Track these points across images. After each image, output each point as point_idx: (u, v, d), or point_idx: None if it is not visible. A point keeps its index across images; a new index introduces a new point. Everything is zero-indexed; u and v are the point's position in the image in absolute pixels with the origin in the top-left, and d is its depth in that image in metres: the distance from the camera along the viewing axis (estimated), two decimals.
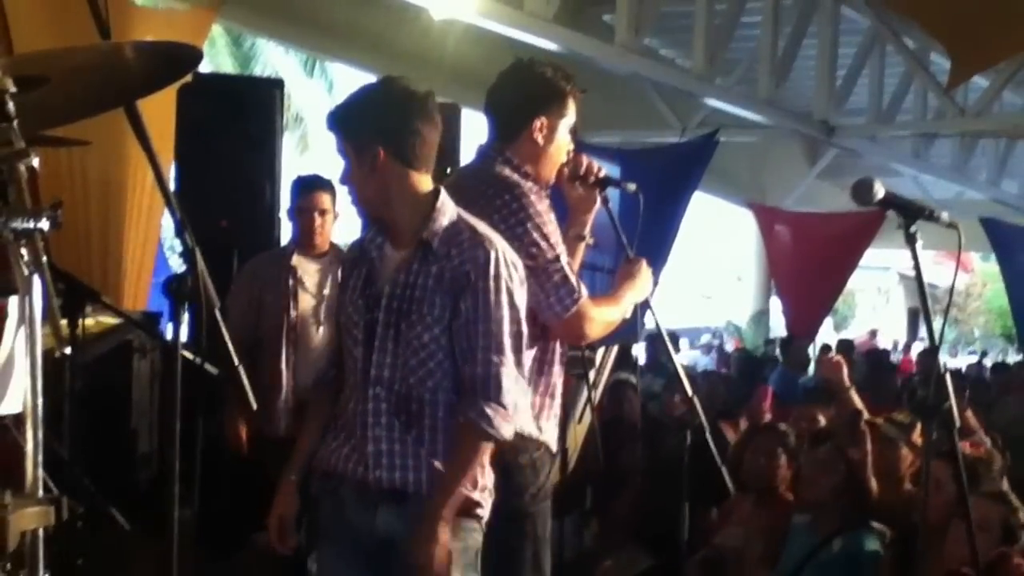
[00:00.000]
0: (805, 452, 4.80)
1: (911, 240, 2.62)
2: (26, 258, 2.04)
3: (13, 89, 1.99)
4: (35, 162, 2.00)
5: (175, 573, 2.31)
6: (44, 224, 2.03)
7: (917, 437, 4.65)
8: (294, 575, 4.08)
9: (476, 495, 2.61)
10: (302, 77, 18.47)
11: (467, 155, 6.30)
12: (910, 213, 2.63)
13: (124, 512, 3.97)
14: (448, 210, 2.64)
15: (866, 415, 4.91)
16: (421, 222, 2.61)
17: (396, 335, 2.59)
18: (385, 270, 2.66)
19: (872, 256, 15.19)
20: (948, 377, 2.57)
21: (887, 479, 4.66)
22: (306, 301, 4.65)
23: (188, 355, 2.48)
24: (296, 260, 4.67)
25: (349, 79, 17.79)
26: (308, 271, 4.68)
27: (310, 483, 2.74)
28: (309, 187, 4.73)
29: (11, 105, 1.98)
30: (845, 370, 5.16)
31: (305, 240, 4.69)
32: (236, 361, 2.53)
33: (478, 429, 2.53)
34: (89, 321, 4.02)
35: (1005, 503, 3.87)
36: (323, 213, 4.66)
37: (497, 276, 2.56)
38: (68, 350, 2.22)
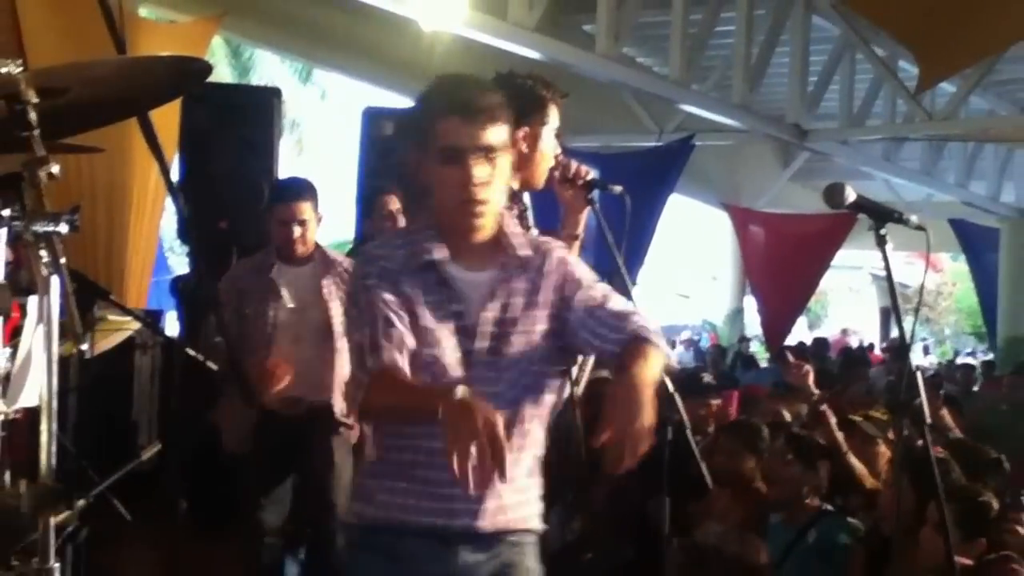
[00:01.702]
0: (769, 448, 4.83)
1: (881, 243, 2.62)
2: (45, 259, 2.15)
3: (36, 100, 2.09)
4: (55, 169, 2.10)
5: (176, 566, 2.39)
6: (63, 228, 2.15)
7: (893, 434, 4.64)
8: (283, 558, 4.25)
9: None
10: (297, 85, 18.89)
11: None
12: (880, 216, 2.62)
13: (123, 501, 4.04)
14: (510, 219, 2.43)
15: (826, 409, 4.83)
16: (499, 234, 2.36)
17: (495, 361, 2.29)
18: (472, 296, 2.32)
19: (844, 256, 15.31)
20: (919, 375, 2.56)
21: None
22: (284, 314, 4.38)
23: (191, 352, 2.49)
24: (276, 271, 4.41)
25: (341, 87, 18.27)
26: (289, 281, 4.41)
27: (339, 534, 2.46)
28: (284, 198, 4.41)
29: (33, 115, 2.09)
30: (811, 377, 5.17)
31: (285, 250, 4.41)
32: (236, 356, 2.58)
33: (655, 343, 2.31)
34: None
35: (960, 498, 3.80)
36: (302, 224, 4.36)
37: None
38: (85, 347, 2.37)
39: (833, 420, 4.61)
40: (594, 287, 2.40)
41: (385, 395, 2.23)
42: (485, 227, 2.31)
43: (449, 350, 2.27)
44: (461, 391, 2.05)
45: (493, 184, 2.27)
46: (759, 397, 6.84)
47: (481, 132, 2.24)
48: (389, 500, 2.29)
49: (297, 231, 4.34)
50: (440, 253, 2.30)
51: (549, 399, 2.40)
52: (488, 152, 2.25)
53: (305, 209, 4.36)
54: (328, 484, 4.21)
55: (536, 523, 2.40)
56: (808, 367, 5.36)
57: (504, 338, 2.30)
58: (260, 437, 4.20)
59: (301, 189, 4.43)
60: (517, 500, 2.34)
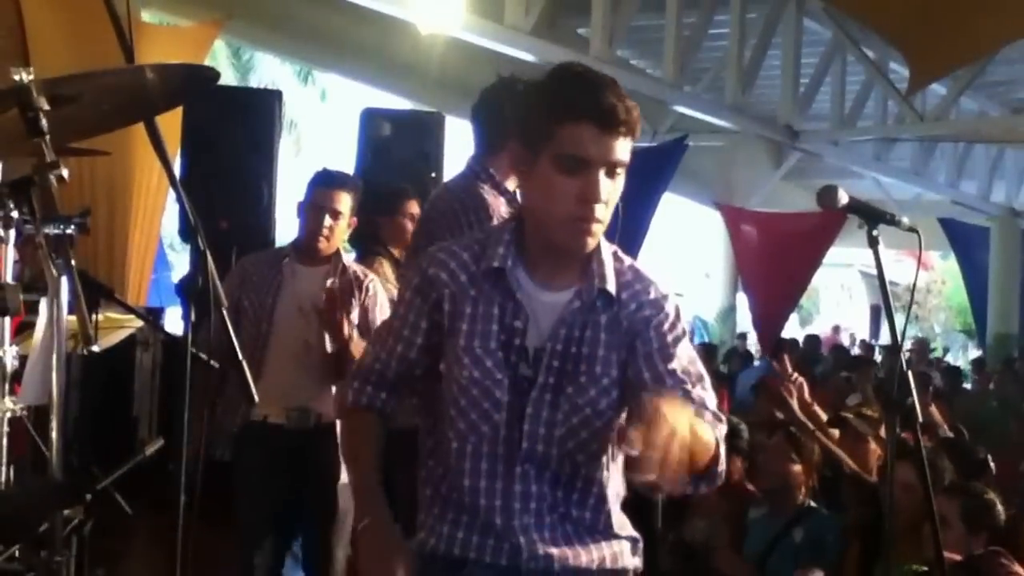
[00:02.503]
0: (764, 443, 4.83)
1: (873, 244, 2.59)
2: (55, 261, 2.20)
3: (46, 107, 2.10)
4: (64, 173, 2.11)
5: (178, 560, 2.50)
6: (73, 230, 2.22)
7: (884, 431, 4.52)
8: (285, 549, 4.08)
9: None
10: (297, 86, 19.02)
11: (449, 160, 6.72)
12: (872, 218, 2.59)
13: (125, 495, 4.09)
14: (605, 244, 2.10)
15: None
16: (590, 258, 2.06)
17: (555, 400, 2.03)
18: (537, 316, 2.05)
19: (835, 254, 15.34)
20: (911, 373, 2.54)
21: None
22: (287, 317, 3.96)
23: (194, 350, 2.52)
24: (288, 266, 4.02)
25: (341, 88, 18.29)
26: (300, 280, 4.01)
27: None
28: (327, 182, 3.99)
29: (44, 122, 2.09)
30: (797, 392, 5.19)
31: (308, 241, 3.99)
32: (240, 356, 2.42)
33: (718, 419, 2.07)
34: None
35: (966, 494, 3.80)
36: (336, 215, 3.94)
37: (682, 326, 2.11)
38: (96, 348, 2.37)
39: (795, 401, 4.66)
40: (678, 355, 2.06)
41: (344, 438, 2.28)
42: (586, 248, 2.02)
43: (493, 369, 2.03)
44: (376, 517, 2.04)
45: (611, 203, 2.00)
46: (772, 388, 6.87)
47: (616, 145, 1.96)
48: (455, 536, 2.08)
49: (327, 221, 3.95)
50: (509, 260, 2.05)
51: (608, 448, 2.11)
52: (615, 167, 1.97)
53: (343, 200, 3.97)
54: (331, 496, 3.90)
55: (624, 561, 2.14)
56: (798, 375, 5.36)
57: (568, 375, 2.03)
58: (262, 449, 3.97)
59: (346, 180, 4.06)
60: (588, 542, 2.10)
